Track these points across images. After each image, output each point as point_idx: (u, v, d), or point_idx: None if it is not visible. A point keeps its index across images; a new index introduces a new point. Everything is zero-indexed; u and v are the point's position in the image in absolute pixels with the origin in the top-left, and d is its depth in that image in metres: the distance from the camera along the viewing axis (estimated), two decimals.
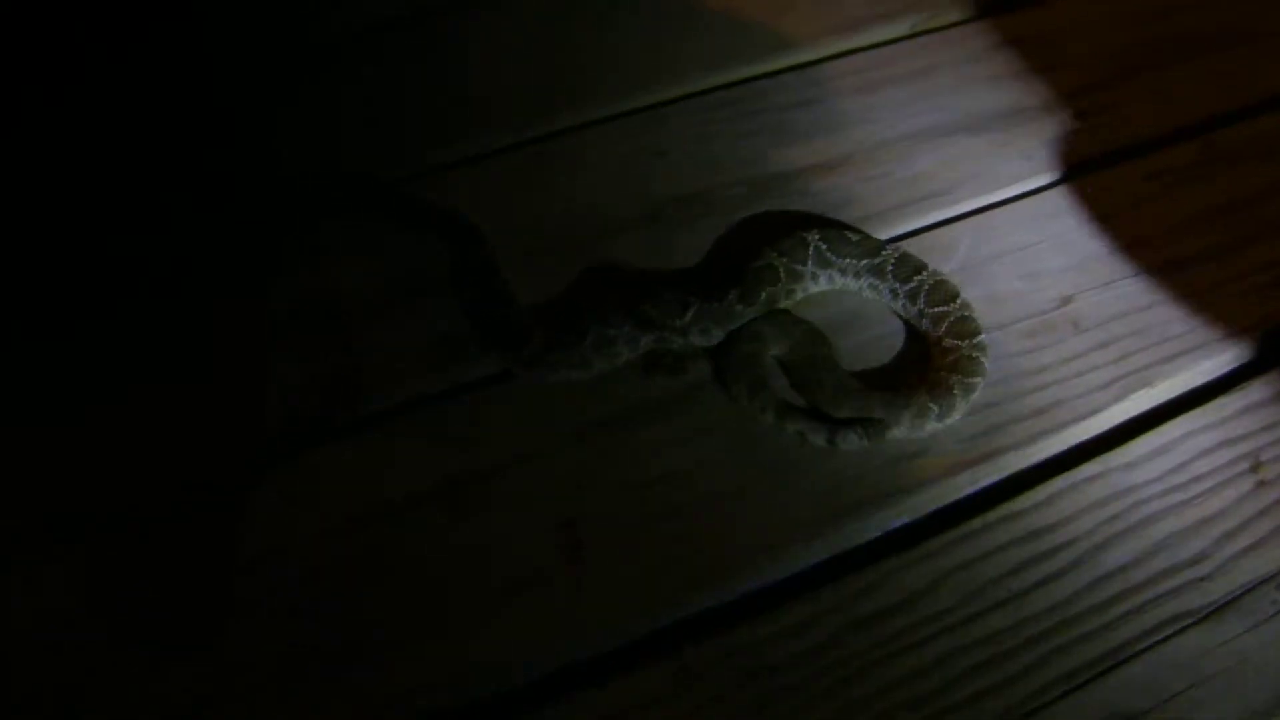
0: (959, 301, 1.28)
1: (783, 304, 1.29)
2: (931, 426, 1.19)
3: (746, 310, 1.25)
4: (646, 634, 1.07)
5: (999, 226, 1.43)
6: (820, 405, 1.21)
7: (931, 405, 1.18)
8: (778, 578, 1.11)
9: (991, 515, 1.14)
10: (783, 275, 1.28)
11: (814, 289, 1.33)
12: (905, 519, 1.16)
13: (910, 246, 1.36)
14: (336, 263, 1.37)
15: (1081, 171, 1.51)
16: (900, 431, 1.18)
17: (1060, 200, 1.47)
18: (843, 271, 1.32)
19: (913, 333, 1.31)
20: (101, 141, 1.50)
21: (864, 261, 1.31)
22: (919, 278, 1.29)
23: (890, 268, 1.30)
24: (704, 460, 1.18)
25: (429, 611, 1.06)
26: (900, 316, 1.33)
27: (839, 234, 1.33)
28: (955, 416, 1.20)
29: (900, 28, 1.75)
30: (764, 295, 1.26)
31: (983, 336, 1.25)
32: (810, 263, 1.31)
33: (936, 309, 1.27)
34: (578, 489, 1.15)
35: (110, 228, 1.41)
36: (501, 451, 1.18)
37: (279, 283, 1.34)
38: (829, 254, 1.31)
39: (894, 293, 1.31)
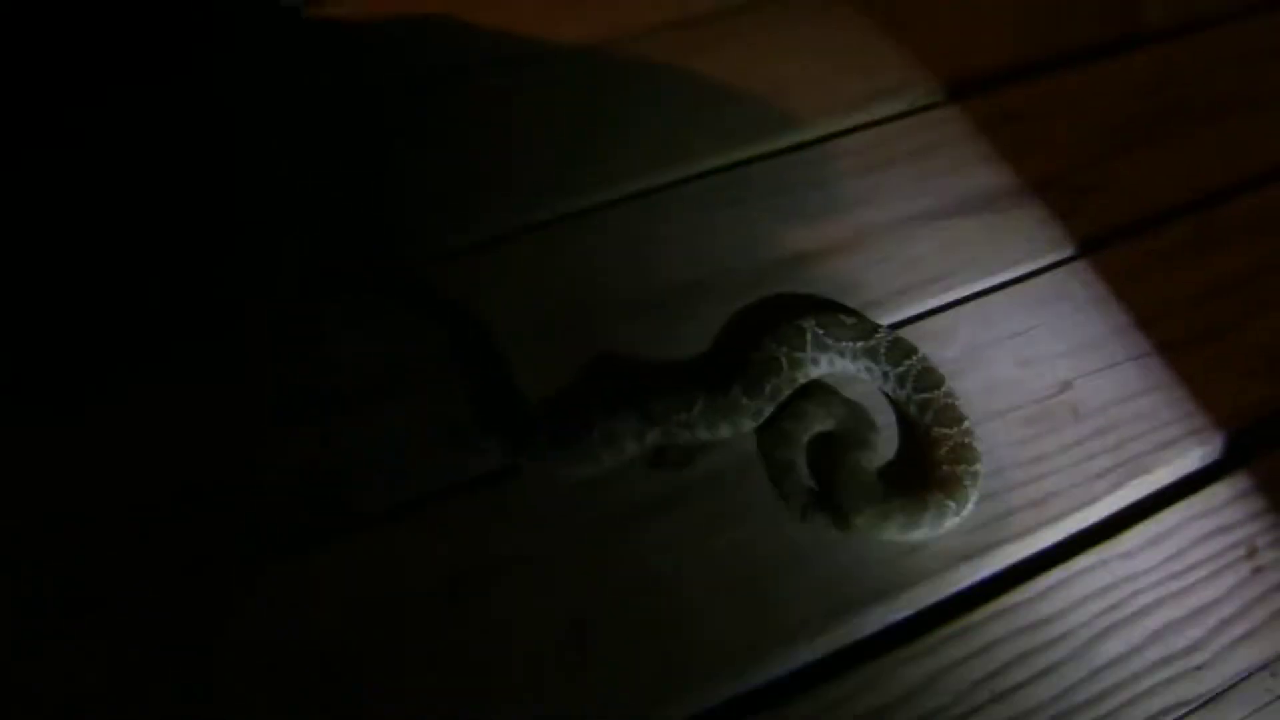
0: (944, 389, 1.30)
1: (785, 394, 1.32)
2: (950, 523, 1.21)
3: (751, 403, 1.28)
4: None
5: (997, 311, 1.46)
6: (838, 501, 1.23)
7: (948, 502, 1.20)
8: (782, 674, 1.14)
9: (989, 609, 1.17)
10: (785, 365, 1.31)
11: (815, 373, 1.36)
12: (905, 613, 1.18)
13: (911, 332, 1.39)
14: (335, 343, 1.40)
15: (1078, 252, 1.54)
16: (924, 533, 1.21)
17: (1057, 283, 1.49)
18: (840, 354, 1.35)
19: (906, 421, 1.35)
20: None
21: (859, 344, 1.35)
22: (908, 362, 1.33)
23: (883, 351, 1.34)
24: (712, 555, 1.21)
25: (426, 713, 1.09)
26: (890, 400, 1.36)
27: (834, 318, 1.37)
28: (970, 506, 1.23)
29: (899, 104, 1.78)
30: (768, 388, 1.29)
31: (968, 422, 1.28)
32: (809, 348, 1.34)
33: (922, 395, 1.31)
34: (583, 589, 1.18)
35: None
36: (505, 549, 1.21)
37: (270, 369, 1.37)
38: (826, 339, 1.35)
39: (885, 375, 1.34)
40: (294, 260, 1.50)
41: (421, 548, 1.21)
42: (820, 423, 1.31)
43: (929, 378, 1.32)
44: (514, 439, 1.27)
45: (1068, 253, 1.54)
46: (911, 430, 1.32)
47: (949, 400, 1.30)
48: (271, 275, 1.48)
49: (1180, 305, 1.47)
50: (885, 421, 1.33)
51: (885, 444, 1.30)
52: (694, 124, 1.72)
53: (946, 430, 1.27)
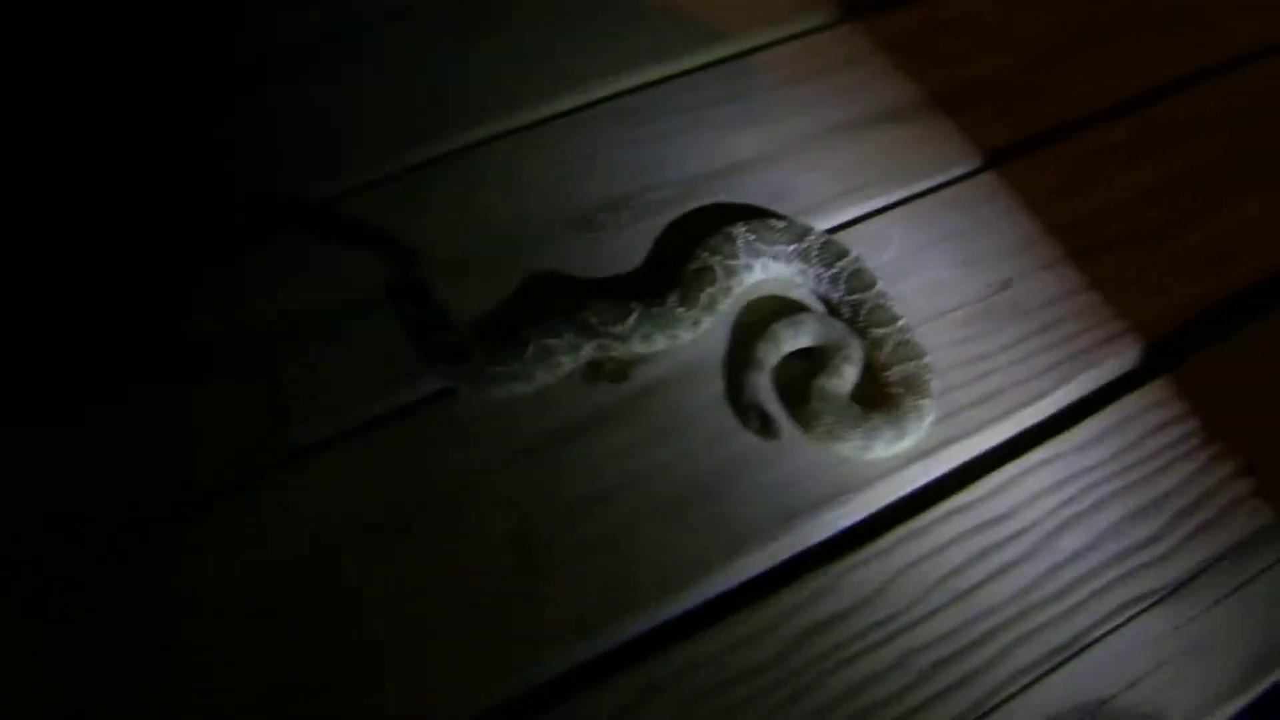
0: (876, 289, 1.27)
1: (722, 302, 1.27)
2: (929, 420, 1.18)
3: (688, 313, 1.23)
4: (608, 649, 1.05)
5: (932, 214, 1.41)
6: (799, 420, 1.19)
7: (922, 401, 1.17)
8: (735, 583, 1.10)
9: (941, 508, 1.14)
10: (719, 273, 1.26)
11: (749, 280, 1.31)
12: (858, 517, 1.15)
13: (845, 238, 1.34)
14: (266, 288, 1.32)
15: (1014, 154, 1.50)
16: (912, 438, 1.17)
17: (992, 186, 1.45)
18: (774, 258, 1.31)
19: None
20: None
21: (791, 247, 1.30)
22: (840, 264, 1.28)
23: (815, 253, 1.29)
24: (654, 468, 1.16)
25: (388, 641, 1.04)
26: (824, 302, 1.32)
27: (765, 223, 1.32)
28: (930, 413, 1.19)
29: (826, 14, 1.72)
30: (703, 296, 1.24)
31: (904, 320, 1.24)
32: (741, 255, 1.29)
33: (854, 296, 1.27)
34: (528, 506, 1.13)
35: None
36: (446, 474, 1.15)
37: (203, 313, 1.30)
38: (758, 243, 1.30)
39: (818, 278, 1.30)
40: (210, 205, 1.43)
41: (363, 478, 1.15)
42: (790, 344, 1.25)
43: (860, 278, 1.27)
44: (450, 362, 1.20)
45: (1001, 157, 1.50)
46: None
47: (880, 301, 1.26)
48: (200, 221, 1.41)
49: (1120, 206, 1.44)
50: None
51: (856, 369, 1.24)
52: (618, 41, 1.65)
53: (882, 330, 1.23)
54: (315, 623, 1.05)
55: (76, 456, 1.18)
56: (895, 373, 1.20)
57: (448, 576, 1.08)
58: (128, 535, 1.11)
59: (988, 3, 1.75)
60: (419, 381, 1.23)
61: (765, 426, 1.16)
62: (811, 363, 1.23)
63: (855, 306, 1.26)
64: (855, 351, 1.22)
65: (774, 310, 1.28)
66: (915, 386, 1.18)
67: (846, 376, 1.20)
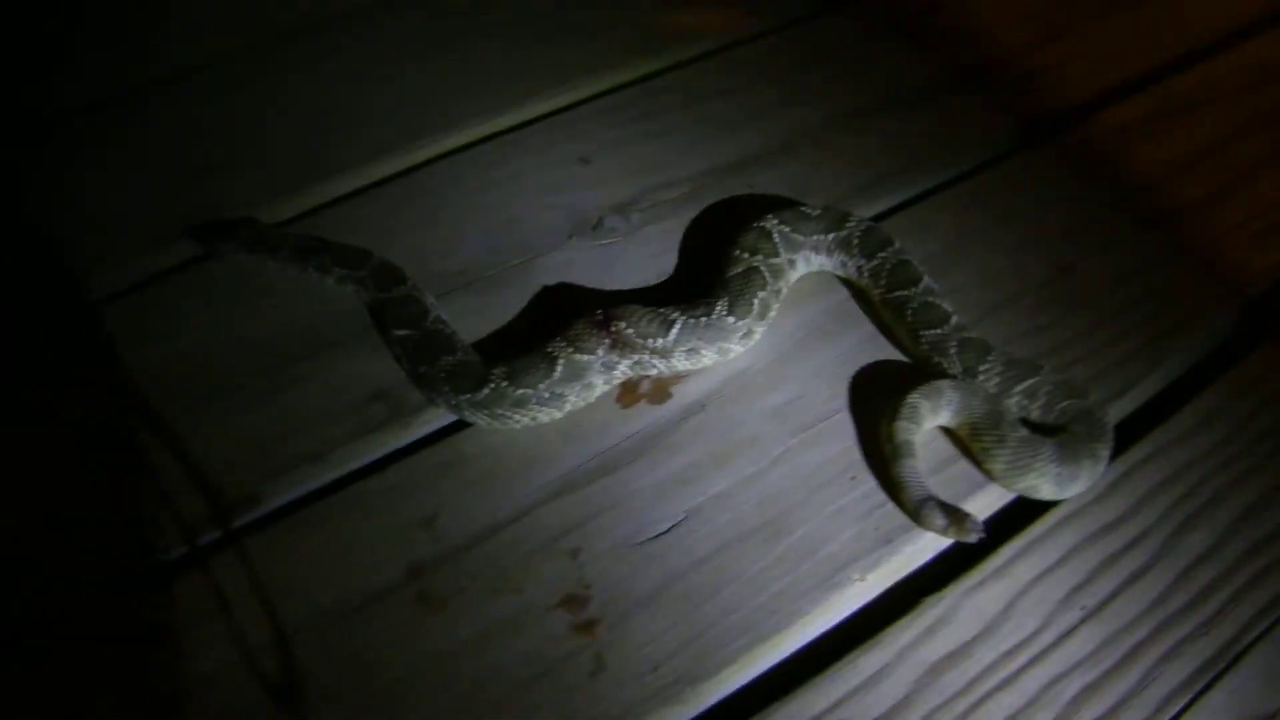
0: (922, 285, 1.12)
1: (774, 307, 1.12)
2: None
3: (739, 323, 1.07)
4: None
5: (971, 199, 1.29)
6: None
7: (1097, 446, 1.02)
8: (835, 622, 0.95)
9: (1054, 515, 1.01)
10: (766, 275, 1.10)
11: (794, 277, 1.17)
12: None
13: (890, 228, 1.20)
14: (233, 321, 1.13)
15: (1040, 134, 1.39)
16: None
17: (1029, 166, 1.34)
18: (815, 250, 1.17)
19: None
20: None
21: (830, 236, 1.16)
22: (883, 254, 1.14)
23: (856, 242, 1.15)
24: (717, 497, 1.00)
25: None
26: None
27: (797, 212, 1.18)
28: None
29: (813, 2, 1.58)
30: (756, 303, 1.08)
31: (955, 319, 1.10)
32: (782, 251, 1.14)
33: (896, 293, 1.12)
34: (575, 557, 0.95)
35: None
36: (470, 522, 0.97)
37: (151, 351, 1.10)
38: (794, 235, 1.15)
39: (860, 270, 1.16)
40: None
41: (371, 534, 0.96)
42: (931, 421, 1.05)
43: (904, 272, 1.13)
44: (461, 389, 1.01)
45: (1028, 138, 1.38)
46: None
47: (928, 299, 1.11)
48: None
49: (1158, 180, 1.33)
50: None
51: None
52: (604, 37, 1.48)
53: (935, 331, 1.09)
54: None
55: None
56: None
57: (488, 650, 0.90)
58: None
59: None
60: (418, 416, 1.05)
61: (955, 522, 0.96)
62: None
63: (899, 304, 1.12)
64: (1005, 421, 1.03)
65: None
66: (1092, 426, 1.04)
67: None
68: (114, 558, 0.95)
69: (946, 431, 1.05)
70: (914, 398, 1.01)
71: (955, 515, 0.95)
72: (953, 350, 1.06)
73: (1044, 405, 1.05)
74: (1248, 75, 1.50)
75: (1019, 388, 1.05)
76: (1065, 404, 1.04)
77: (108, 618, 0.92)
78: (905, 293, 1.11)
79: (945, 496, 0.98)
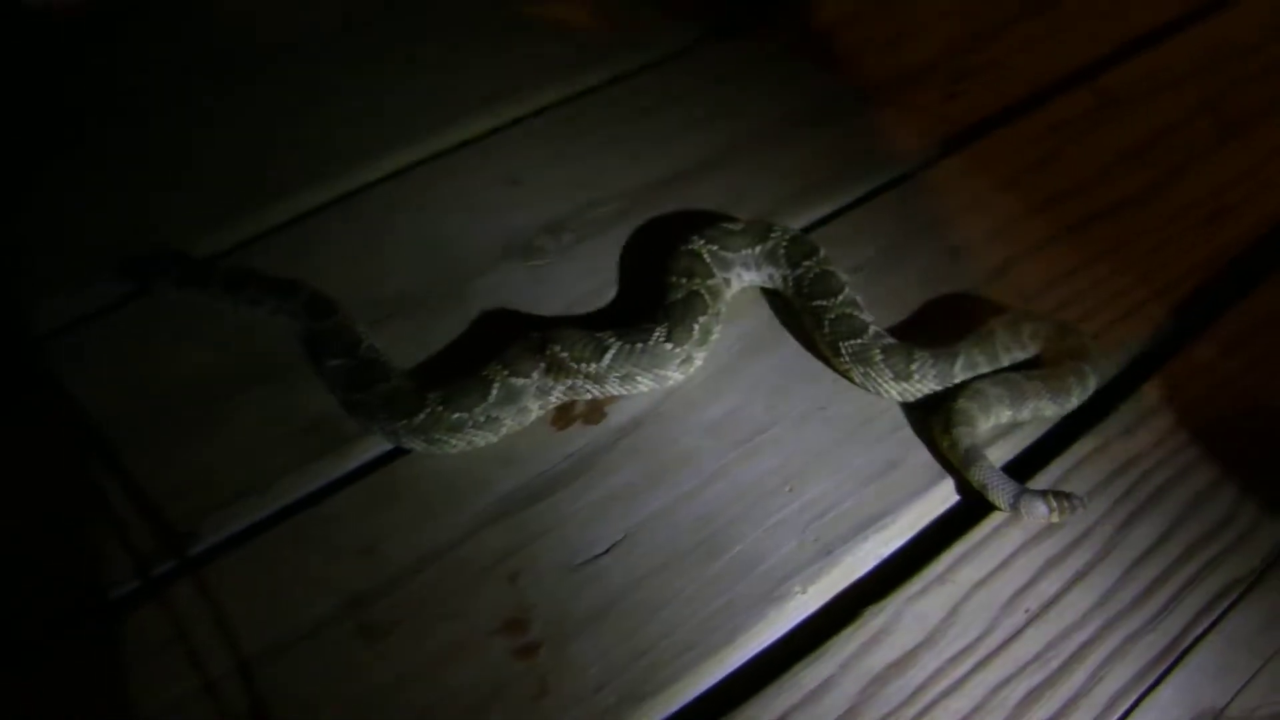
0: (842, 296, 1.10)
1: (715, 331, 1.10)
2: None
3: (677, 349, 1.06)
4: None
5: (903, 205, 1.29)
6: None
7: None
8: (779, 635, 0.93)
9: (995, 518, 0.99)
10: (707, 299, 1.09)
11: (729, 296, 1.16)
12: (903, 540, 1.00)
13: (819, 238, 1.19)
14: (168, 355, 1.11)
15: (972, 137, 1.38)
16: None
17: (961, 169, 1.34)
18: (744, 266, 1.16)
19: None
20: None
21: (757, 249, 1.15)
22: (806, 263, 1.13)
23: (783, 252, 1.14)
24: (654, 516, 0.99)
25: None
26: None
27: (720, 229, 1.16)
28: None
29: (747, 13, 1.56)
30: (696, 328, 1.07)
31: (874, 328, 1.09)
32: (717, 271, 1.13)
33: (816, 303, 1.11)
34: (514, 581, 0.94)
35: None
36: (409, 550, 0.96)
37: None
38: (723, 253, 1.14)
39: (785, 280, 1.15)
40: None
41: (308, 567, 0.94)
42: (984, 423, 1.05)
43: (828, 282, 1.11)
44: (396, 415, 1.00)
45: (959, 141, 1.38)
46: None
47: (845, 310, 1.09)
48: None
49: (1097, 175, 1.33)
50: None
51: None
52: (530, 57, 1.47)
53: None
54: None
55: None
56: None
57: (433, 679, 0.88)
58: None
59: None
60: (355, 445, 1.04)
61: (1060, 505, 0.96)
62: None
63: (818, 314, 1.10)
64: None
65: None
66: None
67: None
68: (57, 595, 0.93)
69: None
70: (961, 403, 1.02)
71: (1058, 499, 0.96)
72: (879, 358, 1.05)
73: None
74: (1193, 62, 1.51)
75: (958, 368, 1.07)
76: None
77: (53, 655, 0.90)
78: (824, 303, 1.10)
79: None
